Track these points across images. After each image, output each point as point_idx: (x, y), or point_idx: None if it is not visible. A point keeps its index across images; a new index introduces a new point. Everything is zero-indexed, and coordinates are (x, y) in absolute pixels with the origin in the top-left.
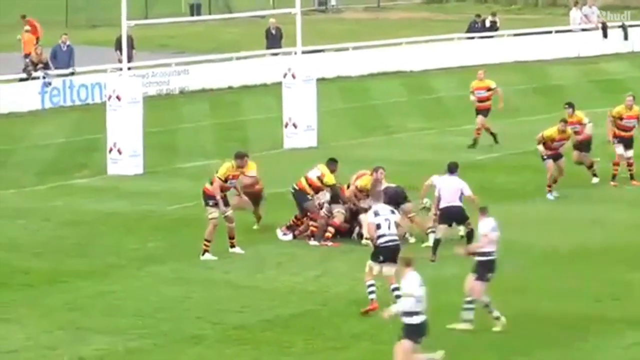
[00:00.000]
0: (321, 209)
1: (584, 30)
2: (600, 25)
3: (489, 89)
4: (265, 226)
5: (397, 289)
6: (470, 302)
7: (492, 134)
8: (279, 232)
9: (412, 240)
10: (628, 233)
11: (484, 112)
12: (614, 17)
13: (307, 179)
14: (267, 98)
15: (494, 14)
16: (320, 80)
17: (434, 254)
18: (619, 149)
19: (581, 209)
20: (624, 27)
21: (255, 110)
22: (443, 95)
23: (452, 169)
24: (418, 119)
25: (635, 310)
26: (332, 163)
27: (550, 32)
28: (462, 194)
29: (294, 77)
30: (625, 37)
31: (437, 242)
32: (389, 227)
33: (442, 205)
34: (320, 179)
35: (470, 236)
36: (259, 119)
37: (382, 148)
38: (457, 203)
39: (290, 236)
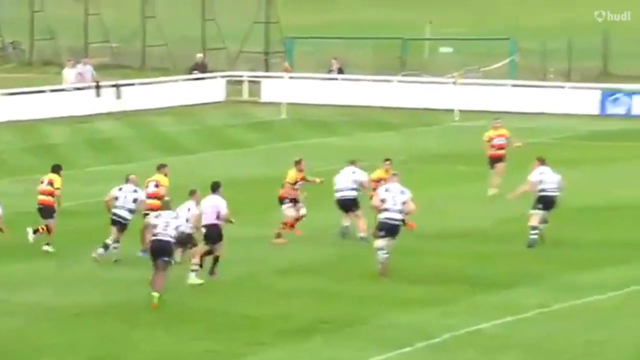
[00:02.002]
0: None
1: (77, 89)
2: (94, 84)
3: None
4: None
5: None
6: None
7: None
8: None
9: None
10: (127, 290)
11: None
12: (107, 76)
13: None
14: None
15: None
16: None
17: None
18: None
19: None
20: (117, 86)
21: None
22: None
23: (214, 187)
24: None
25: None
26: None
27: (44, 91)
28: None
29: None
30: (118, 96)
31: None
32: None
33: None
34: None
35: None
36: None
37: None
38: (214, 222)
39: None
